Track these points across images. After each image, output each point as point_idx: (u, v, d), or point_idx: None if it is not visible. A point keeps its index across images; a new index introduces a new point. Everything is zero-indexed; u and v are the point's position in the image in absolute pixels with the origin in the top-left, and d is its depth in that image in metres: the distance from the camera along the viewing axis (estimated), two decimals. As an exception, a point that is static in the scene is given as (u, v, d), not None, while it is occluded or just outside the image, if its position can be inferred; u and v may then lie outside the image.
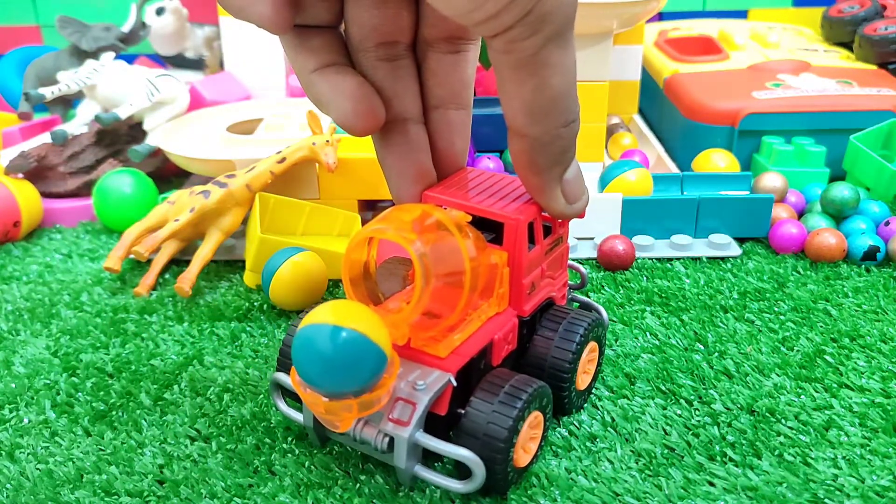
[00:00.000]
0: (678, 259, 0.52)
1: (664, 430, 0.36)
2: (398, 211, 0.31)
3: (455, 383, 0.31)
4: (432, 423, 0.31)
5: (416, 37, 0.31)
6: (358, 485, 0.33)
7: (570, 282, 0.41)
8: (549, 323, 0.36)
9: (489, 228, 0.34)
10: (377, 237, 0.31)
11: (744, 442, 0.35)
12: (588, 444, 0.35)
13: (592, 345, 0.37)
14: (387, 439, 0.30)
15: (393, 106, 0.32)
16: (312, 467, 0.34)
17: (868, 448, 0.34)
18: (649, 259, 0.52)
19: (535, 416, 0.32)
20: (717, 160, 0.59)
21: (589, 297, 0.47)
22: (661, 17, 0.91)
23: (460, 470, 0.33)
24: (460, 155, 0.34)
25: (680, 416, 0.36)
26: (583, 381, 0.37)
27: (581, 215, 0.33)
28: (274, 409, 0.37)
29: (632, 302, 0.47)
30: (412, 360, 0.32)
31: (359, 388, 0.29)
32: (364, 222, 0.53)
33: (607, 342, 0.42)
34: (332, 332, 0.28)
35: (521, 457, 0.32)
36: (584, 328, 0.35)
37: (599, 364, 0.38)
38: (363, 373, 0.28)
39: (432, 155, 0.34)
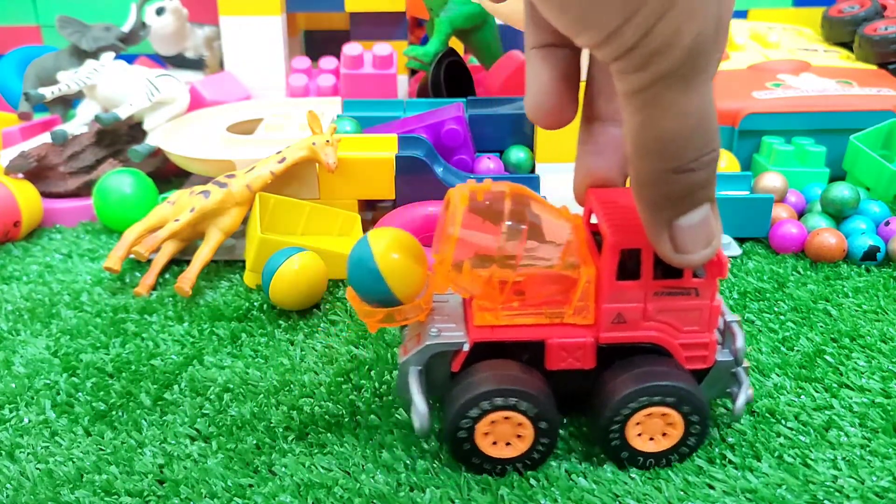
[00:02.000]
0: (678, 259, 0.52)
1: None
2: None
3: (466, 350, 0.33)
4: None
5: None
6: (358, 485, 0.33)
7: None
8: (626, 362, 0.33)
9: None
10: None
11: (743, 443, 0.35)
12: (588, 445, 0.35)
13: (664, 411, 0.32)
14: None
15: (598, 103, 0.31)
16: (312, 467, 0.34)
17: (868, 449, 0.34)
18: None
19: (512, 416, 0.32)
20: (717, 160, 0.59)
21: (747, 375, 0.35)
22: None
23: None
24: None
25: (680, 416, 0.36)
26: (642, 442, 0.33)
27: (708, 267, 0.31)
28: (274, 408, 0.38)
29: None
30: (464, 315, 0.34)
31: (373, 299, 0.33)
32: (364, 222, 0.53)
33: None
34: (361, 247, 0.33)
35: (488, 445, 0.33)
36: (647, 386, 0.32)
37: (687, 444, 0.33)
38: (363, 287, 0.33)
39: None
